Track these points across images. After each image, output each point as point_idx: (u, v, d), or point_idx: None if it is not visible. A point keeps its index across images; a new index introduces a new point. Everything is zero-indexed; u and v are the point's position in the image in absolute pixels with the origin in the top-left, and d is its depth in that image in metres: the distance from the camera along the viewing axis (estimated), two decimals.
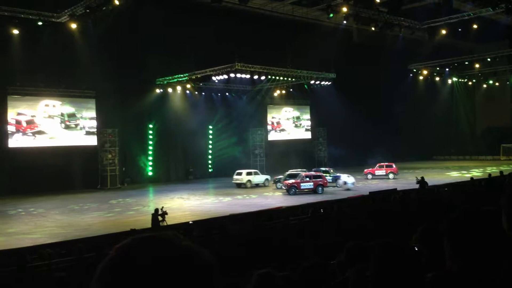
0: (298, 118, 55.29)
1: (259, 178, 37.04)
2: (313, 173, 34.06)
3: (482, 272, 1.98)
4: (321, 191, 31.71)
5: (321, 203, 22.62)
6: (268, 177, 37.65)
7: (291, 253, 8.84)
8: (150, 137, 43.45)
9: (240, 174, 36.90)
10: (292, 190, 31.78)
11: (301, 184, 31.99)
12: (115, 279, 1.04)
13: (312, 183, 32.00)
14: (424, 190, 24.58)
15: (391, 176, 39.52)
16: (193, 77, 40.99)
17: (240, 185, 36.30)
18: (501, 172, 29.20)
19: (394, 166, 40.50)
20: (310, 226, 14.05)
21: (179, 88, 43.90)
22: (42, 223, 24.33)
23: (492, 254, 1.99)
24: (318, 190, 31.72)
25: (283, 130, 53.86)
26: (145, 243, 1.09)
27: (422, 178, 26.85)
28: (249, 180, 36.42)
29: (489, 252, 1.98)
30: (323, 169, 38.11)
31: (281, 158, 49.73)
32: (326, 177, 33.86)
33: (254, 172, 37.63)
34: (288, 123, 54.47)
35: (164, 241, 1.10)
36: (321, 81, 44.99)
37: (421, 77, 57.60)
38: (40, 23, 33.22)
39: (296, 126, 55.09)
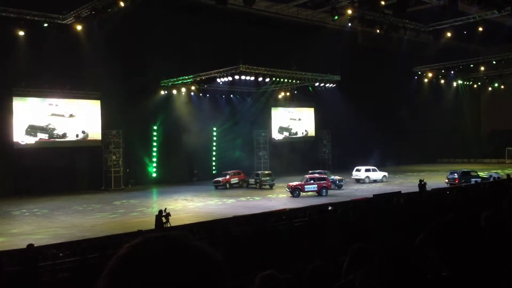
0: (302, 120, 55.23)
1: (377, 175, 39.19)
2: (317, 175, 34.04)
3: (472, 276, 1.99)
4: (325, 193, 31.68)
5: (325, 205, 22.57)
6: (385, 174, 39.83)
7: (295, 255, 8.83)
8: (155, 138, 43.51)
9: (359, 170, 39.61)
10: (296, 192, 31.77)
11: (305, 186, 31.98)
12: (125, 276, 1.04)
13: (316, 185, 31.99)
14: (427, 192, 24.52)
15: None
16: (198, 79, 41.02)
17: (358, 181, 38.88)
18: (508, 175, 29.07)
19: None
20: (314, 228, 14.01)
21: (183, 89, 43.99)
22: (46, 224, 24.42)
23: (477, 259, 2.00)
24: (322, 193, 31.70)
25: (287, 132, 53.80)
26: (156, 241, 1.10)
27: (420, 181, 27.01)
28: (367, 176, 38.94)
29: (473, 257, 1.99)
30: (318, 171, 38.19)
31: (285, 159, 49.73)
32: None
33: (372, 169, 39.76)
34: (292, 125, 54.40)
35: (175, 240, 1.10)
36: (325, 83, 44.94)
37: (426, 80, 57.44)
38: (45, 25, 33.38)
39: (300, 128, 55.02)
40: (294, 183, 32.75)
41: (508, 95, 59.27)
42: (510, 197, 2.42)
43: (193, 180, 44.48)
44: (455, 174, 34.46)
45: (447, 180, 34.22)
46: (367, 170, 39.75)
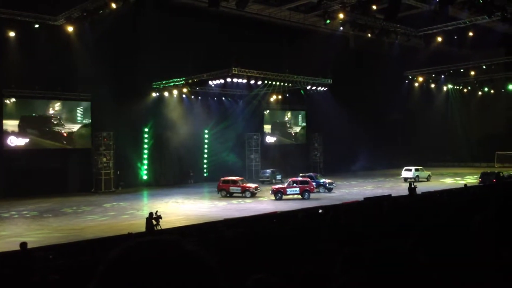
0: (294, 123, 55.36)
1: (424, 174, 42.69)
2: (299, 178, 34.10)
3: (460, 278, 2.01)
4: (308, 196, 31.69)
5: (316, 208, 22.58)
6: (430, 173, 43.27)
7: (286, 258, 8.82)
8: (146, 140, 43.34)
9: (409, 170, 42.49)
10: (278, 195, 31.85)
11: (287, 189, 32.05)
12: (115, 280, 1.03)
13: (298, 189, 32.01)
14: (417, 196, 24.66)
15: None
16: (190, 81, 40.97)
17: (406, 179, 40.81)
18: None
19: None
20: (306, 231, 14.02)
21: (175, 92, 43.88)
22: (35, 226, 24.21)
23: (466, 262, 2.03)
24: (304, 196, 31.71)
25: (278, 135, 53.83)
26: (148, 245, 1.09)
27: (410, 184, 27.27)
28: (417, 175, 41.91)
29: (462, 260, 2.02)
30: (309, 174, 38.42)
31: (276, 162, 49.75)
32: None
33: (420, 168, 43.28)
34: (284, 128, 54.48)
35: (168, 244, 1.10)
36: (317, 87, 45.13)
37: (416, 84, 57.81)
38: (36, 26, 33.18)
39: (292, 131, 55.13)
40: (277, 186, 32.83)
41: (498, 100, 59.76)
42: (496, 204, 2.45)
43: (189, 182, 44.41)
44: (491, 176, 37.00)
45: (480, 180, 36.63)
46: (416, 170, 42.60)
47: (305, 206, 26.21)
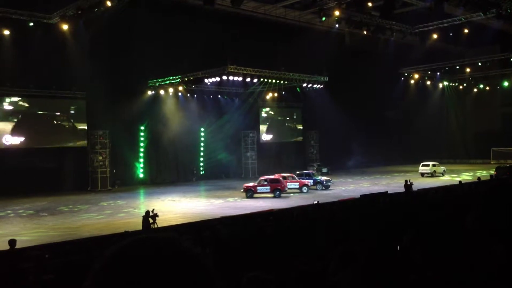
0: (290, 120, 55.39)
1: (440, 169, 44.16)
2: (271, 176, 34.17)
3: (455, 276, 2.02)
4: (278, 195, 31.91)
5: (312, 205, 22.62)
6: (445, 168, 44.79)
7: (282, 256, 8.84)
8: (142, 139, 43.25)
9: (427, 165, 44.07)
10: (249, 193, 32.07)
11: (258, 188, 32.33)
12: (111, 277, 1.04)
13: (269, 187, 32.24)
14: (413, 193, 24.74)
15: None
16: (185, 79, 40.88)
17: (423, 175, 42.93)
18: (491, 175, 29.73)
19: None
20: (301, 228, 14.04)
21: (171, 90, 43.81)
22: (31, 225, 24.16)
23: (461, 260, 2.04)
24: (275, 194, 32.05)
25: (274, 132, 53.83)
26: (145, 243, 1.09)
27: (406, 181, 27.34)
28: (434, 170, 43.50)
29: (456, 257, 2.03)
30: (306, 171, 38.53)
31: (273, 160, 49.81)
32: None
33: (437, 164, 44.77)
34: (280, 126, 54.48)
35: (164, 242, 1.10)
36: (313, 84, 45.11)
37: (412, 81, 57.90)
38: (31, 24, 32.98)
39: (288, 128, 55.15)
40: (248, 184, 33.07)
41: (493, 97, 59.99)
42: (476, 207, 2.46)
43: (193, 180, 44.51)
44: (505, 170, 38.32)
45: (495, 173, 37.56)
46: (433, 165, 44.01)
47: (301, 203, 26.25)
